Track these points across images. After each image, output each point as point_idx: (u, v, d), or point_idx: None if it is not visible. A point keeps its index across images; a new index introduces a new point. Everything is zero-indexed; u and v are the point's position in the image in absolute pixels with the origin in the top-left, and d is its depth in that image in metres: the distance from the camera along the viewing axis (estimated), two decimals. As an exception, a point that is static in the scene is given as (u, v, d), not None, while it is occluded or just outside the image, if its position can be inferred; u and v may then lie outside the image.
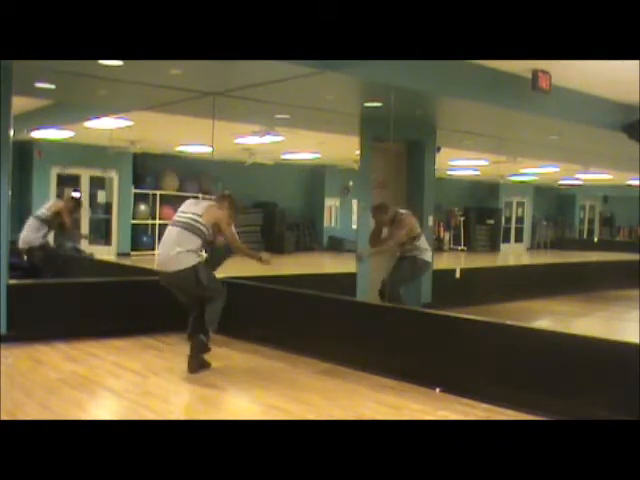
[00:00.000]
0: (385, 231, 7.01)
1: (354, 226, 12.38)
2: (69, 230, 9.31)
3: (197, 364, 5.32)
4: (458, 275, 9.40)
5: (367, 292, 8.16)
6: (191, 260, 5.24)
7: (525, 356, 4.62)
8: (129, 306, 6.64)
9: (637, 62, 5.08)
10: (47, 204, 8.95)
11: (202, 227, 5.30)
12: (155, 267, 5.56)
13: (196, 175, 14.60)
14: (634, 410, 3.81)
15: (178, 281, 5.33)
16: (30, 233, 8.40)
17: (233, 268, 8.64)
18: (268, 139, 10.39)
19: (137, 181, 14.38)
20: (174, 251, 5.22)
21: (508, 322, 5.16)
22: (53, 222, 8.65)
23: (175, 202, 14.12)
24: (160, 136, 11.78)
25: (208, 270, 5.46)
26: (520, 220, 20.86)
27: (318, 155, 14.15)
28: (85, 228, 13.99)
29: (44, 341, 6.09)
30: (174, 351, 6.18)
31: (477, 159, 13.72)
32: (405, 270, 6.91)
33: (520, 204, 20.76)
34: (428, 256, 7.00)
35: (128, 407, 4.55)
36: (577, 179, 17.96)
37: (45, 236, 8.63)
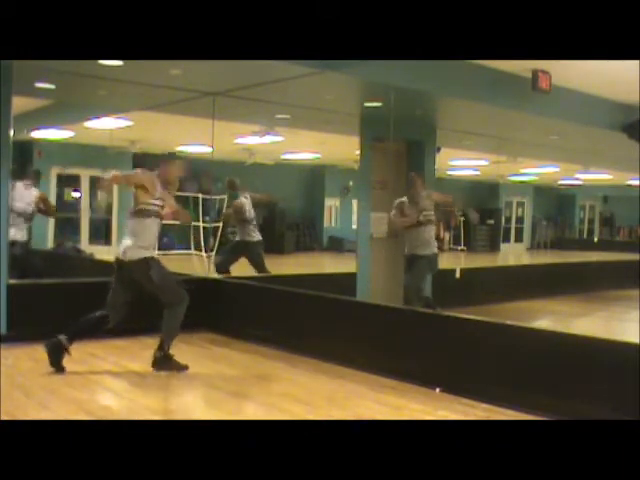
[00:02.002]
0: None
1: (354, 226, 12.38)
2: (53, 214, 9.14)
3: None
4: (458, 275, 9.40)
5: (367, 292, 8.16)
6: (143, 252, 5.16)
7: (525, 356, 4.61)
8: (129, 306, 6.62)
9: (637, 62, 5.08)
10: (25, 199, 7.93)
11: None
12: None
13: (196, 175, 14.59)
14: (634, 410, 3.81)
15: (131, 272, 5.19)
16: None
17: (234, 268, 8.68)
18: (268, 139, 10.40)
19: (137, 181, 14.36)
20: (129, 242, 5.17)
21: (508, 322, 5.16)
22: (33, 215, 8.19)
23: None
24: (160, 136, 11.78)
25: (164, 269, 5.30)
26: (520, 220, 20.86)
27: (318, 155, 14.15)
28: (85, 228, 14.00)
29: (44, 341, 6.08)
30: (174, 351, 6.18)
31: (477, 159, 13.73)
32: (424, 268, 6.91)
33: (520, 204, 20.76)
34: (436, 248, 7.07)
35: (128, 407, 4.55)
36: (577, 179, 17.96)
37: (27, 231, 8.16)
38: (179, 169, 5.42)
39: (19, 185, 7.77)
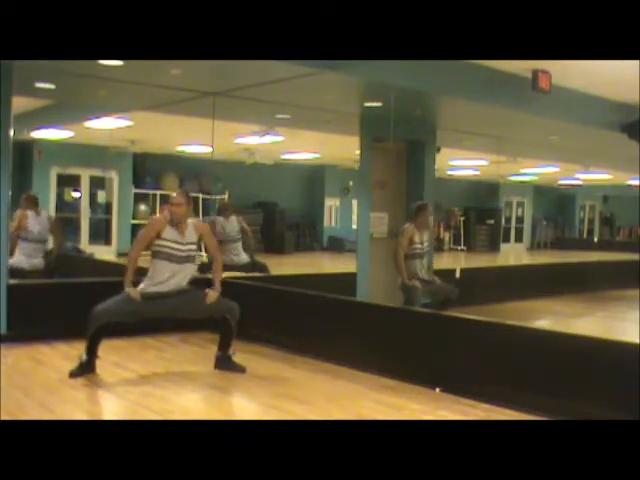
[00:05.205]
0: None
1: (354, 226, 12.38)
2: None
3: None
4: (458, 275, 9.39)
5: (367, 292, 8.16)
6: None
7: (525, 356, 4.62)
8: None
9: (637, 62, 5.08)
10: (40, 224, 7.75)
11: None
12: None
13: (196, 175, 14.61)
14: (634, 410, 3.81)
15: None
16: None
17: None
18: (268, 139, 10.39)
19: (137, 181, 14.39)
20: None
21: (508, 322, 5.16)
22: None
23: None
24: (160, 136, 11.78)
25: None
26: (520, 220, 20.86)
27: (318, 155, 14.15)
28: (85, 228, 14.02)
29: (44, 341, 6.09)
30: (174, 351, 6.19)
31: (477, 159, 13.72)
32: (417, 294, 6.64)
33: (520, 204, 20.75)
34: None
35: (128, 407, 4.55)
36: (577, 179, 17.97)
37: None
38: None
39: (30, 214, 7.58)
